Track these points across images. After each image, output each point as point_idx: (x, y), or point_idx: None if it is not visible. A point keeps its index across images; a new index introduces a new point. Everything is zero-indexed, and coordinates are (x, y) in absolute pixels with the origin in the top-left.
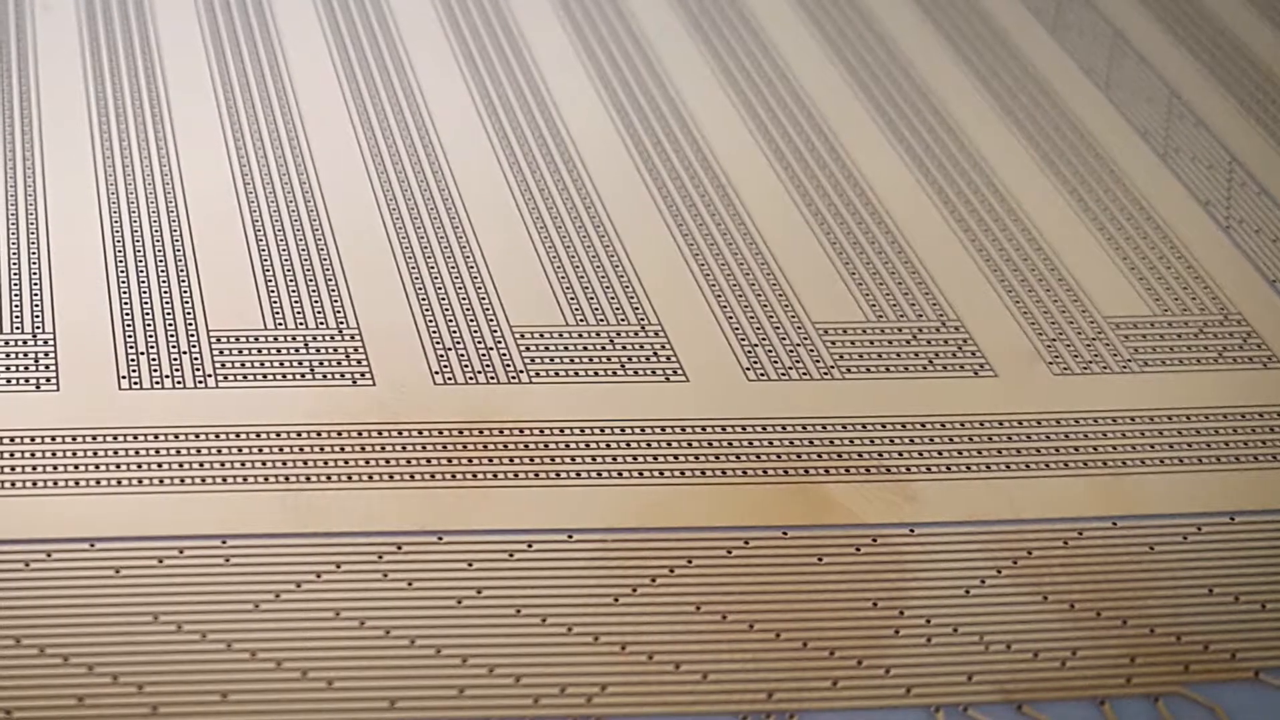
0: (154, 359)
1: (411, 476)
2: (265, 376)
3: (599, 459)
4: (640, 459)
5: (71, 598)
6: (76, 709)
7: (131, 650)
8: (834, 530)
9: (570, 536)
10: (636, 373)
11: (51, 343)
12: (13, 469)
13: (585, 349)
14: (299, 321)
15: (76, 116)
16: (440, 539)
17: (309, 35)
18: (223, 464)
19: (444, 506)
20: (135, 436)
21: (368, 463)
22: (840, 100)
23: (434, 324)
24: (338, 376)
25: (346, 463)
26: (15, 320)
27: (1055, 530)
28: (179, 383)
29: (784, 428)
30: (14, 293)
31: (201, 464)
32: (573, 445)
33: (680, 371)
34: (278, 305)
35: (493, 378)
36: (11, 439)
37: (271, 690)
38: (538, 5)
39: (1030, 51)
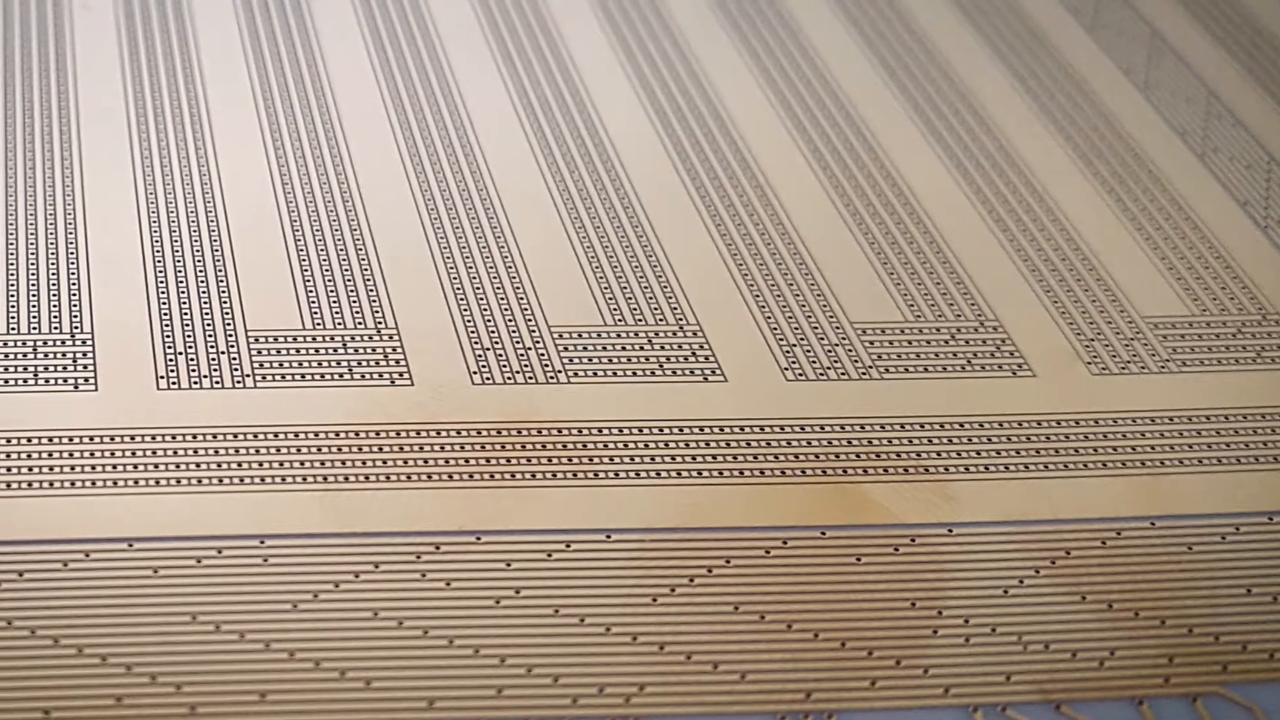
0: (192, 359)
1: (450, 477)
2: (303, 377)
3: (637, 459)
4: (679, 459)
5: (110, 598)
6: (115, 709)
7: (170, 650)
8: (872, 530)
9: (609, 536)
10: (675, 373)
11: (90, 343)
12: (51, 469)
13: (623, 349)
14: (337, 322)
15: (115, 116)
16: (478, 539)
17: (347, 35)
18: (261, 464)
19: (482, 507)
20: (173, 437)
21: (406, 463)
22: (878, 100)
23: (472, 324)
24: (376, 377)
25: (385, 463)
26: (54, 320)
27: (1093, 530)
28: (217, 383)
29: (822, 428)
30: (52, 293)
31: (240, 464)
32: (611, 445)
33: (719, 371)
34: (316, 305)
35: (531, 378)
36: (50, 439)
37: (310, 690)
38: (576, 5)
39: (1068, 51)
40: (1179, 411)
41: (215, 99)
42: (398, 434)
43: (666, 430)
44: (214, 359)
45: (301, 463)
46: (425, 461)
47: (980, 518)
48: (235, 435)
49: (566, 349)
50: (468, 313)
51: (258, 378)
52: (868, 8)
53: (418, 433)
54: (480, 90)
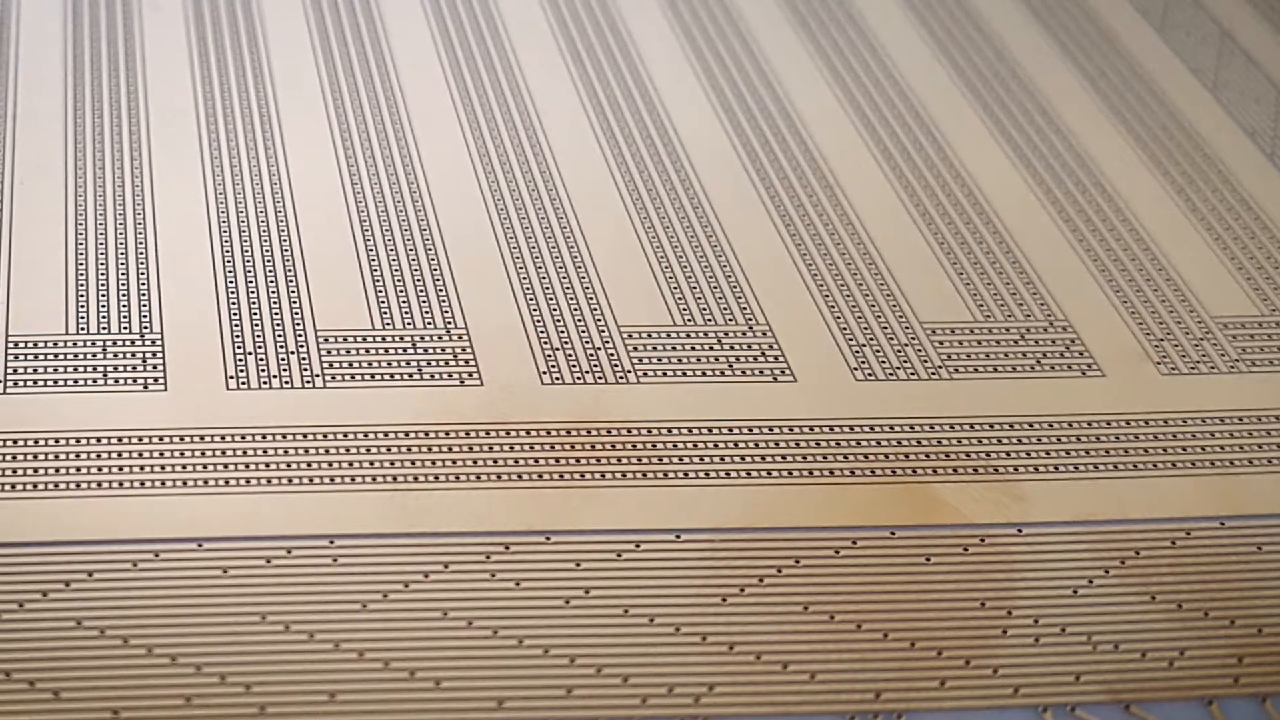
0: (262, 359)
1: (519, 477)
2: (373, 377)
3: (707, 459)
4: (748, 459)
5: (179, 598)
6: (184, 709)
7: (239, 650)
8: (942, 530)
9: (678, 536)
10: (744, 373)
11: (159, 343)
12: (121, 469)
13: (693, 349)
14: (407, 322)
15: (184, 117)
16: (548, 539)
17: (417, 35)
18: (330, 464)
19: (552, 507)
20: (243, 437)
21: (475, 463)
22: (948, 100)
23: (542, 324)
24: (445, 377)
25: (454, 463)
26: (123, 321)
27: (1163, 530)
28: (287, 383)
29: (892, 428)
30: (122, 293)
31: (309, 464)
32: (680, 445)
33: (788, 371)
34: (385, 305)
35: (600, 378)
36: (119, 439)
37: (379, 690)
38: (645, 4)
39: (1138, 51)
40: (1249, 411)
41: (284, 99)
42: (467, 434)
43: (736, 430)
44: (283, 359)
45: (371, 463)
46: (495, 461)
47: (1050, 518)
48: (304, 435)
49: (636, 349)
50: (537, 313)
51: (327, 378)
52: (937, 8)
53: (487, 433)
54: (549, 90)
